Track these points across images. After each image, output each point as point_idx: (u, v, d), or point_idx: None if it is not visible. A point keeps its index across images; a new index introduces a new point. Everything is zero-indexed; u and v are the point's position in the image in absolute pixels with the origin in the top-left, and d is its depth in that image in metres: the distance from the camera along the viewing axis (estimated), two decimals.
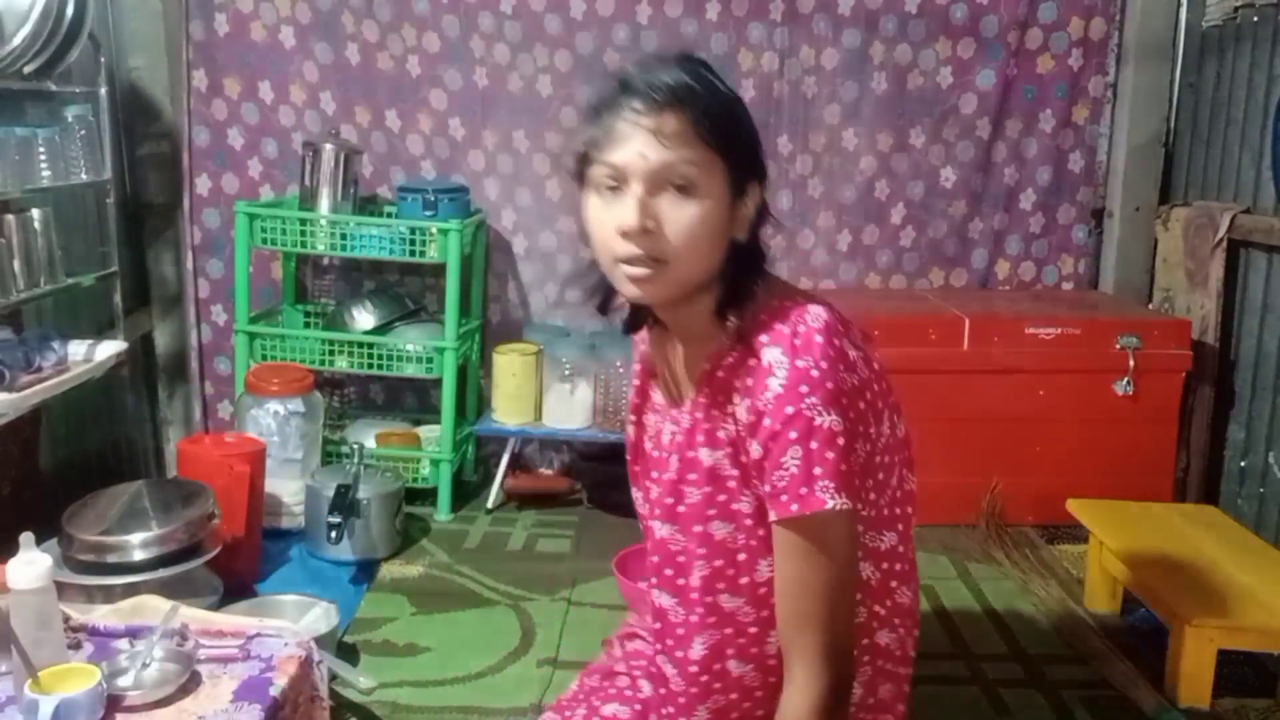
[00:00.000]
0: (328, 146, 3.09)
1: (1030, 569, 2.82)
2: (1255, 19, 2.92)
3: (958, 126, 3.37)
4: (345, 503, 2.69)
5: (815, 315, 1.13)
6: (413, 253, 3.03)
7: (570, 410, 3.18)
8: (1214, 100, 3.13)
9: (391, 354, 3.15)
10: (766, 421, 1.09)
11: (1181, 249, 3.18)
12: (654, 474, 1.30)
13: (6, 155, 2.46)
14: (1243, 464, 2.94)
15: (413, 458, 3.19)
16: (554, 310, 3.48)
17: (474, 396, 3.46)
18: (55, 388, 2.45)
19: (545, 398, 3.20)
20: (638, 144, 1.09)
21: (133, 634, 1.68)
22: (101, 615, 1.81)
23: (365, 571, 2.75)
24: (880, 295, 3.42)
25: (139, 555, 2.18)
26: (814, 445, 1.07)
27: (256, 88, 3.32)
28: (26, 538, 1.51)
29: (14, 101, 2.61)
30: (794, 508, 1.08)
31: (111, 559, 2.17)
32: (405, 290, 3.43)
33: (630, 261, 1.11)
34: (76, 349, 2.63)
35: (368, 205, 3.32)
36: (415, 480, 3.15)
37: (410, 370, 3.16)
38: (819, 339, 1.11)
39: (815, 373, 1.09)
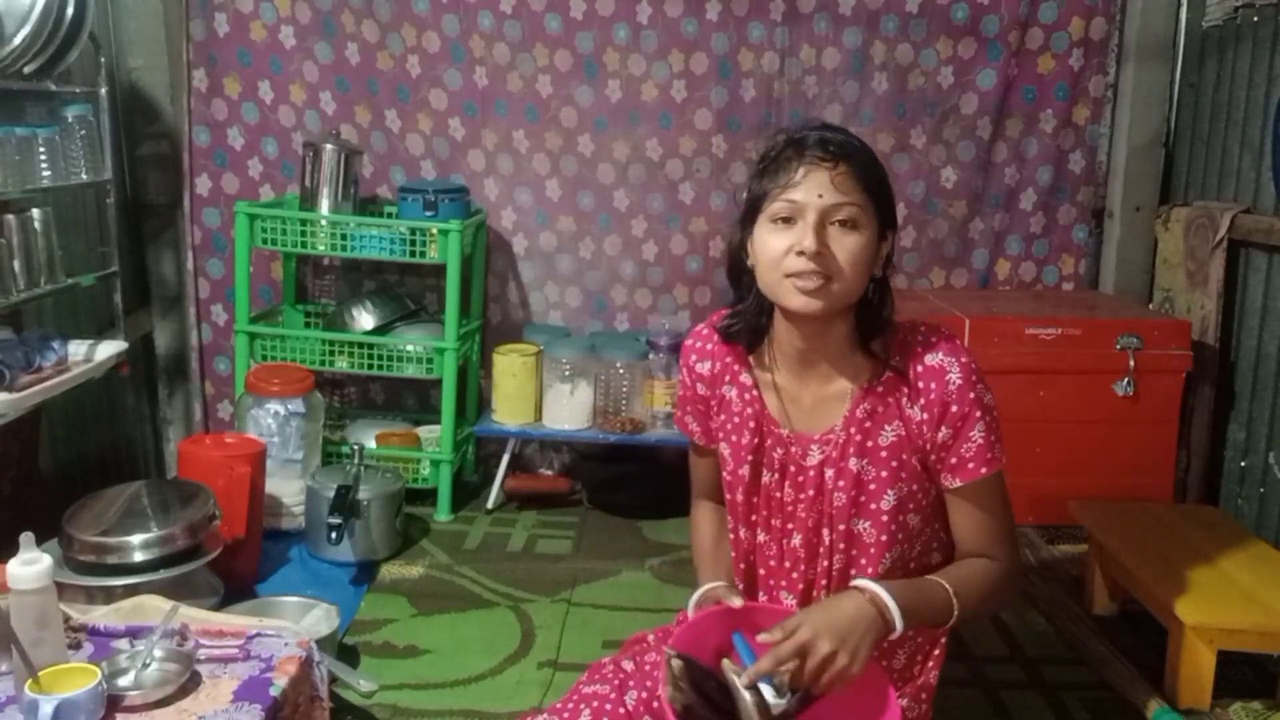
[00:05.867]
0: (328, 147, 3.09)
1: (1030, 570, 2.82)
2: (1255, 19, 2.92)
3: (958, 126, 3.37)
4: (345, 503, 2.69)
5: (940, 327, 1.46)
6: (413, 253, 3.03)
7: (570, 411, 3.18)
8: (1214, 100, 3.13)
9: (392, 354, 3.15)
10: (954, 409, 1.40)
11: (1182, 249, 3.18)
12: (799, 496, 1.49)
13: (6, 155, 2.46)
14: (1243, 464, 2.94)
15: (413, 458, 3.19)
16: (554, 311, 3.49)
17: (474, 397, 3.46)
18: (55, 388, 2.45)
19: (545, 398, 3.20)
20: (814, 184, 1.35)
21: (133, 634, 1.68)
22: (101, 615, 1.81)
23: (365, 572, 2.75)
24: None
25: (139, 556, 2.18)
26: (989, 420, 1.42)
27: (256, 88, 3.32)
28: (27, 538, 1.51)
29: (14, 101, 2.61)
30: (983, 470, 1.42)
31: (111, 560, 2.17)
32: (405, 290, 3.43)
33: (802, 275, 1.35)
34: (76, 349, 2.64)
35: (368, 205, 3.32)
36: (415, 481, 3.15)
37: (410, 371, 3.16)
38: (959, 343, 1.45)
39: (974, 365, 1.42)
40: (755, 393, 1.51)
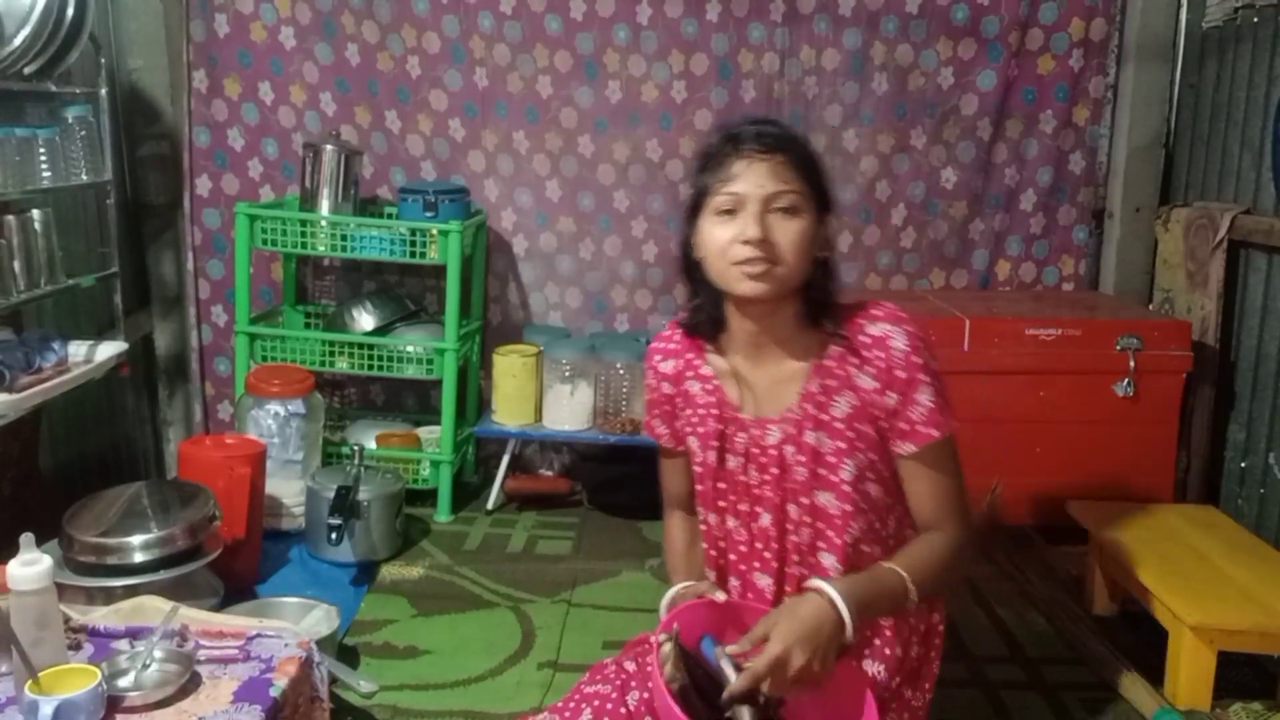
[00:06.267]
0: (328, 147, 3.09)
1: (1031, 570, 2.82)
2: (1255, 19, 2.92)
3: (958, 127, 3.37)
4: (345, 504, 2.69)
5: (884, 302, 1.51)
6: (413, 254, 3.03)
7: (570, 411, 3.18)
8: (1214, 101, 3.13)
9: (392, 355, 3.15)
10: (900, 374, 1.45)
11: (1182, 250, 3.18)
12: (763, 477, 1.52)
13: (7, 156, 2.46)
14: (1243, 465, 2.94)
15: (413, 459, 3.19)
16: (554, 311, 3.49)
17: (474, 398, 3.46)
18: (55, 388, 2.46)
19: (545, 399, 3.20)
20: (754, 176, 1.41)
21: (133, 635, 1.68)
22: (101, 616, 1.81)
23: (365, 573, 2.75)
24: (880, 296, 3.39)
25: (139, 557, 2.18)
26: (937, 385, 1.46)
27: (257, 88, 3.32)
28: (27, 538, 1.51)
29: (14, 102, 2.61)
30: (934, 433, 1.46)
31: (111, 560, 2.17)
32: (405, 291, 3.43)
33: (748, 262, 1.41)
34: (77, 350, 2.64)
35: (368, 206, 3.32)
36: (415, 481, 3.15)
37: (410, 371, 3.16)
38: (904, 314, 1.49)
39: (919, 334, 1.47)
40: (715, 382, 1.57)
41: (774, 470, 1.52)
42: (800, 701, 1.37)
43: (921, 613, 1.55)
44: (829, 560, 1.50)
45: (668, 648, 1.33)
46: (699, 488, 1.60)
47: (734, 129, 1.47)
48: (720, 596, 1.45)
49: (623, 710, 1.46)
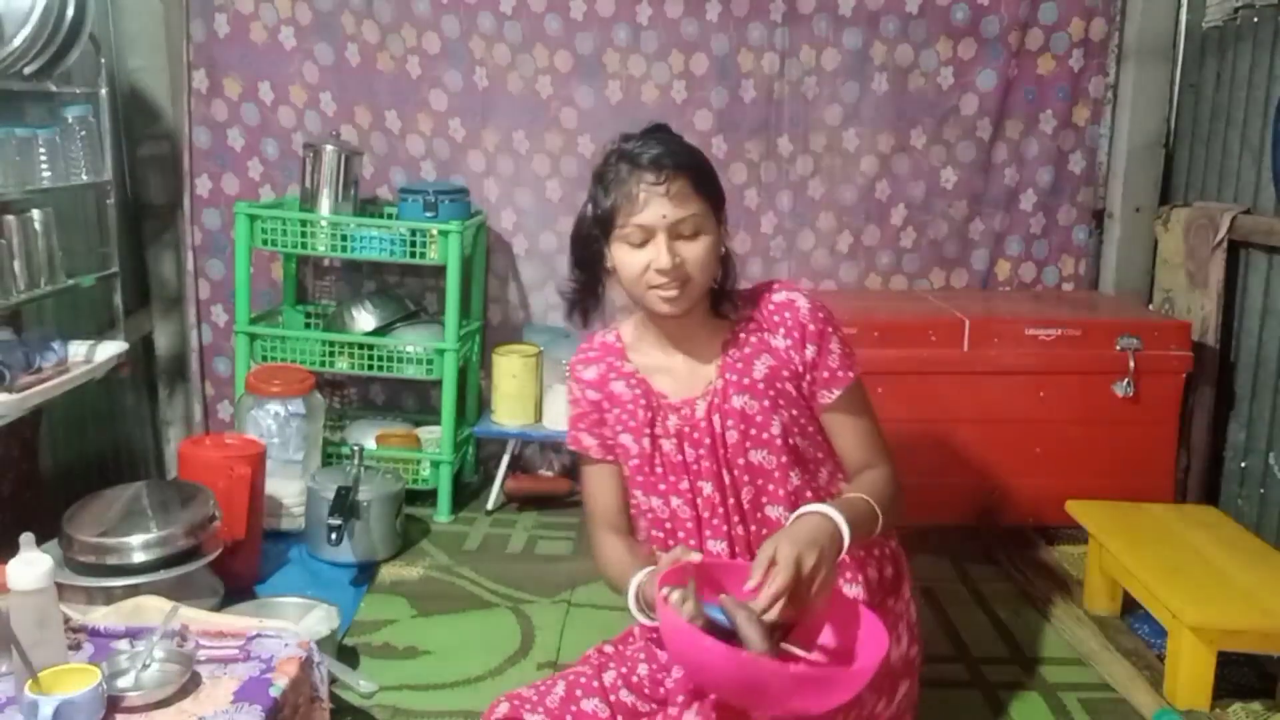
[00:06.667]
0: (328, 148, 3.09)
1: (1030, 570, 2.82)
2: (1255, 19, 2.92)
3: (958, 127, 3.37)
4: (345, 504, 2.69)
5: (781, 279, 1.71)
6: (413, 254, 3.03)
7: None
8: (1214, 101, 3.13)
9: (392, 355, 3.15)
10: (811, 327, 1.60)
11: (1182, 250, 3.18)
12: (697, 451, 1.61)
13: (7, 156, 2.46)
14: (1243, 465, 2.94)
15: (413, 459, 3.19)
16: (554, 311, 3.48)
17: (474, 398, 3.46)
18: (55, 388, 2.45)
19: (545, 399, 3.20)
20: (657, 207, 1.50)
21: (133, 635, 1.68)
22: (101, 616, 1.81)
23: (365, 573, 2.75)
24: (880, 296, 3.41)
25: (139, 557, 2.18)
26: (841, 335, 1.63)
27: (257, 88, 3.32)
28: (27, 538, 1.51)
29: (14, 102, 2.61)
30: (851, 375, 1.62)
31: (111, 560, 2.17)
32: (405, 291, 3.43)
33: (663, 288, 1.52)
34: (77, 350, 2.64)
35: (368, 206, 3.32)
36: (415, 482, 3.15)
37: (410, 371, 3.16)
38: (798, 285, 1.69)
39: (814, 296, 1.65)
40: (639, 376, 1.67)
41: (706, 441, 1.61)
42: (804, 630, 1.41)
43: (877, 541, 1.65)
44: (776, 512, 1.60)
45: (677, 594, 1.34)
46: (638, 478, 1.67)
47: (630, 150, 1.54)
48: (696, 557, 1.45)
49: (596, 684, 1.56)
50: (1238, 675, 2.24)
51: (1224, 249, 2.96)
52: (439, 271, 3.22)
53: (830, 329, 1.62)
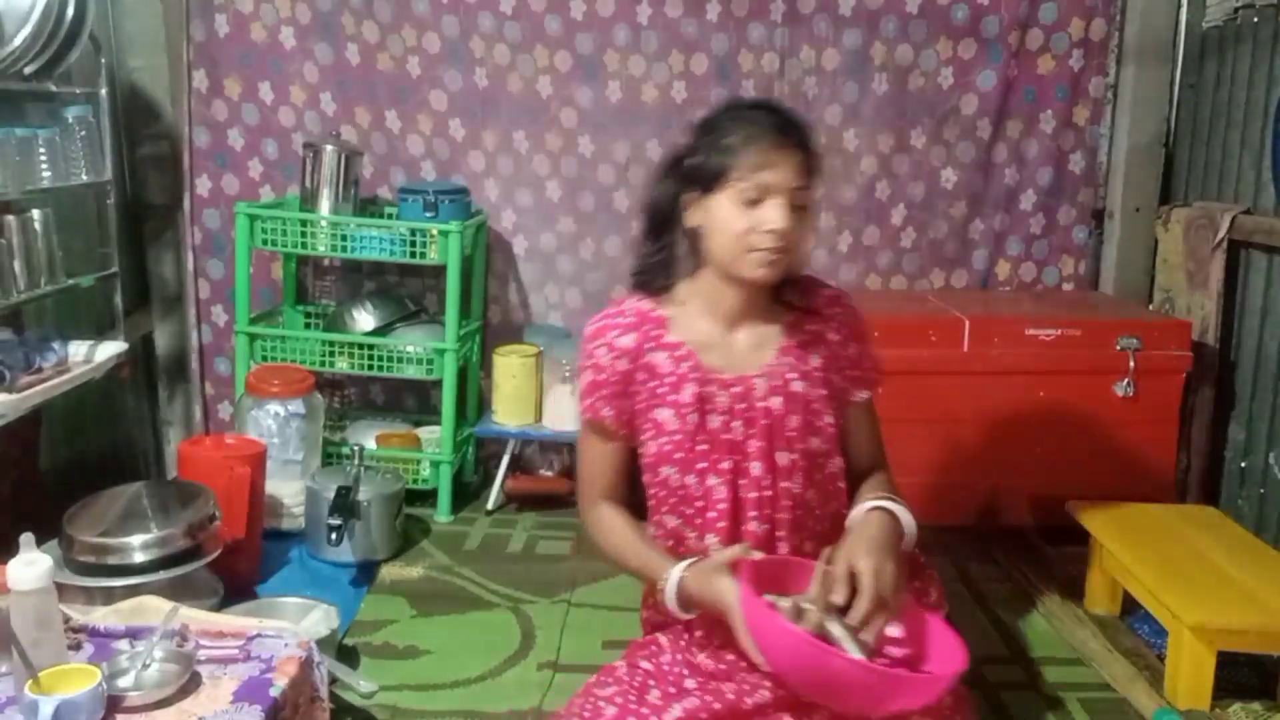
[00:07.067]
0: (329, 147, 3.09)
1: (1030, 570, 2.82)
2: (1255, 19, 2.92)
3: (958, 127, 3.37)
4: (345, 504, 2.69)
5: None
6: (413, 254, 3.03)
7: (570, 412, 3.17)
8: (1214, 101, 3.13)
9: (392, 355, 3.15)
10: (857, 325, 1.67)
11: (1182, 250, 3.18)
12: (749, 430, 1.59)
13: (7, 156, 2.46)
14: (1243, 465, 2.94)
15: (413, 459, 3.19)
16: (554, 311, 3.48)
17: (474, 398, 3.46)
18: (55, 388, 2.45)
19: (545, 399, 3.20)
20: (787, 169, 1.49)
21: (133, 635, 1.68)
22: (101, 616, 1.81)
23: (365, 573, 2.75)
24: (880, 296, 3.41)
25: (139, 557, 2.18)
26: (871, 338, 1.70)
27: (257, 88, 3.32)
28: (27, 539, 1.51)
29: (14, 102, 2.61)
30: (881, 378, 1.68)
31: (112, 560, 2.17)
32: (406, 291, 3.43)
33: (769, 251, 1.49)
34: (77, 349, 2.64)
35: (368, 206, 3.32)
36: (415, 482, 3.15)
37: (411, 371, 3.16)
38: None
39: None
40: (687, 348, 1.61)
41: (763, 422, 1.59)
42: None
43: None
44: (811, 495, 1.62)
45: (785, 605, 1.37)
46: (675, 455, 1.60)
47: (757, 108, 1.55)
48: (758, 555, 1.46)
49: (645, 710, 1.47)
50: (1238, 675, 2.24)
51: (1224, 249, 2.96)
52: (439, 271, 3.22)
53: (867, 331, 1.69)
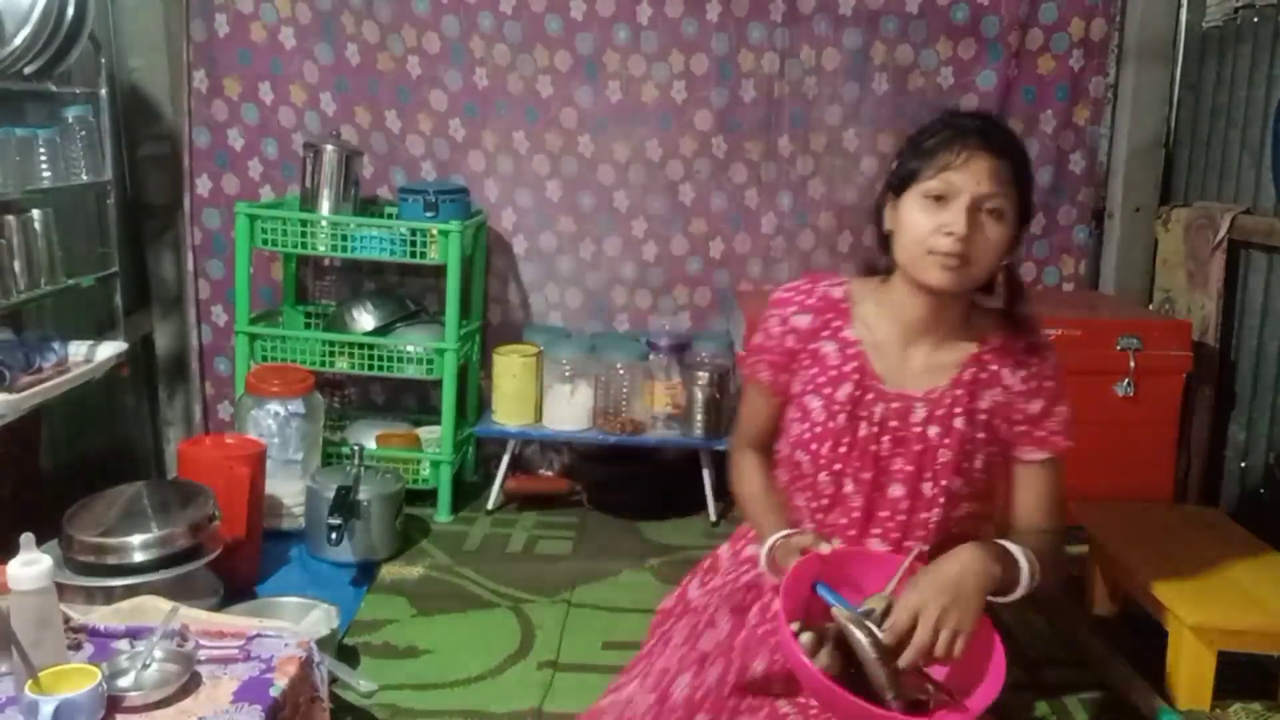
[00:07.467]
0: (329, 148, 3.09)
1: None
2: (1255, 20, 2.92)
3: None
4: (345, 504, 2.69)
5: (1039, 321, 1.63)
6: (413, 254, 3.03)
7: (570, 412, 3.17)
8: (1214, 101, 3.13)
9: (392, 355, 3.15)
10: (1049, 384, 1.55)
11: (1182, 250, 3.18)
12: (897, 450, 1.55)
13: (7, 156, 2.46)
14: (1243, 464, 2.94)
15: (413, 459, 3.19)
16: (554, 311, 3.49)
17: (474, 398, 3.46)
18: (55, 388, 2.45)
19: (545, 399, 3.20)
20: (973, 172, 1.43)
21: (133, 635, 1.68)
22: (101, 616, 1.80)
23: (365, 573, 2.75)
24: None
25: (139, 557, 2.18)
26: (1069, 401, 1.57)
27: (257, 88, 3.32)
28: (27, 539, 1.51)
29: (14, 102, 2.61)
30: (1066, 444, 1.57)
31: (112, 560, 2.17)
32: (406, 291, 3.43)
33: (947, 255, 1.44)
34: (77, 349, 2.63)
35: (368, 206, 3.32)
36: (415, 481, 3.15)
37: (411, 371, 3.16)
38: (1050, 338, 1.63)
39: (1058, 357, 1.58)
40: (859, 348, 1.57)
41: (916, 447, 1.54)
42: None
43: None
44: (948, 536, 1.54)
45: (807, 638, 1.33)
46: (813, 446, 1.58)
47: (963, 118, 1.50)
48: (826, 548, 1.43)
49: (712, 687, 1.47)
50: (1238, 675, 2.24)
51: (1224, 249, 2.96)
52: (439, 271, 3.22)
53: (1063, 392, 1.56)
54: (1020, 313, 1.58)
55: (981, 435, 1.54)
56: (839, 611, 1.35)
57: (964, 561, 1.37)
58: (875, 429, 1.55)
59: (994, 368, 1.55)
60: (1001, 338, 1.56)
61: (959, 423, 1.53)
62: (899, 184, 1.50)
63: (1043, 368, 1.55)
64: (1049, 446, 1.56)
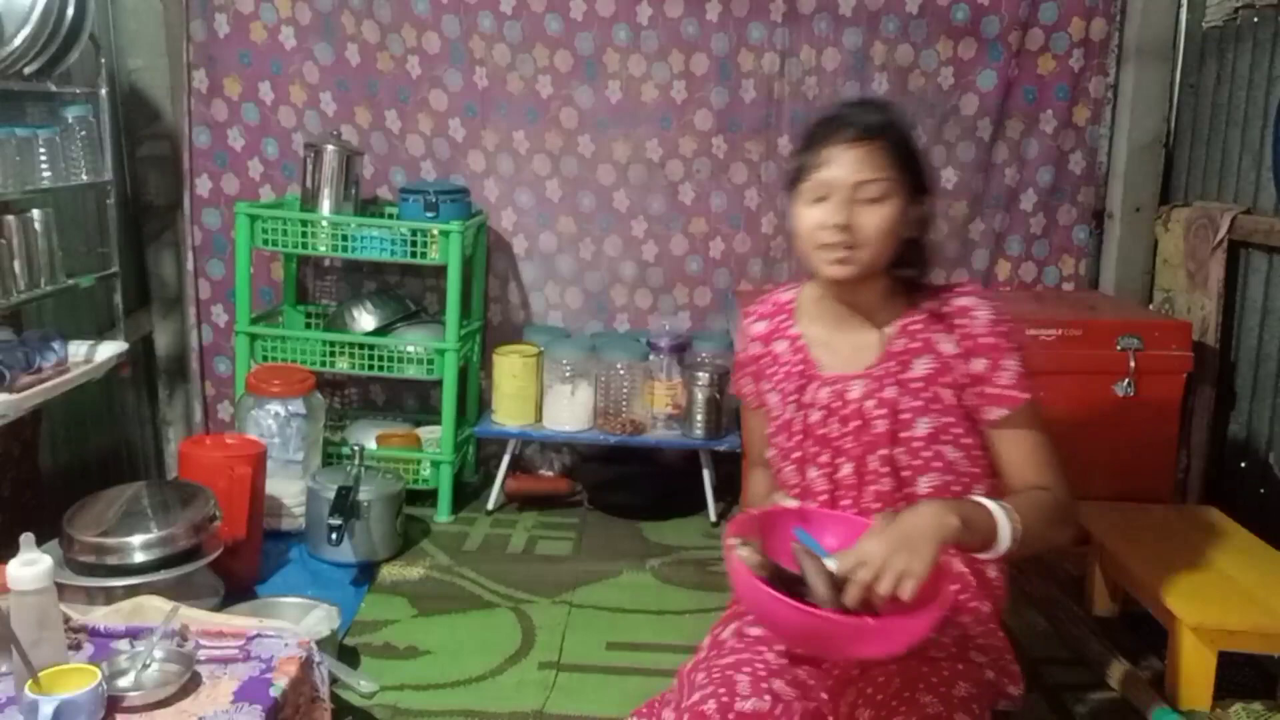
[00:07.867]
0: (329, 148, 3.09)
1: (1031, 570, 2.81)
2: (1255, 19, 2.92)
3: (959, 127, 3.37)
4: (346, 504, 2.69)
5: (973, 282, 1.55)
6: (414, 254, 3.03)
7: (571, 412, 3.17)
8: (1214, 101, 3.13)
9: (392, 355, 3.15)
10: (985, 340, 1.54)
11: (1182, 250, 3.18)
12: (844, 429, 1.59)
13: (7, 156, 2.46)
14: (1243, 465, 2.94)
15: (413, 459, 3.19)
16: (554, 311, 3.49)
17: (474, 398, 3.46)
18: (55, 388, 2.45)
19: (545, 399, 3.20)
20: (840, 166, 1.48)
21: (133, 635, 1.68)
22: (102, 616, 1.81)
23: (366, 573, 2.75)
24: None
25: (139, 557, 2.18)
26: (1020, 355, 1.56)
27: (257, 88, 3.32)
28: (27, 539, 1.51)
29: (14, 102, 2.61)
30: (1024, 395, 1.55)
31: (112, 560, 2.17)
32: (406, 291, 3.43)
33: (830, 248, 1.50)
34: (76, 350, 2.63)
35: (369, 206, 3.32)
36: (416, 482, 3.15)
37: (411, 371, 3.16)
38: (987, 293, 1.64)
39: (1003, 310, 1.57)
40: (801, 342, 1.66)
41: (855, 423, 1.59)
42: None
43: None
44: (905, 506, 1.54)
45: (745, 549, 1.37)
46: (777, 439, 1.67)
47: (832, 113, 1.55)
48: (790, 503, 1.47)
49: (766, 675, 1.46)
50: (1238, 675, 2.24)
51: (1224, 249, 2.96)
52: (439, 271, 3.22)
53: (1007, 345, 1.55)
54: (927, 281, 1.61)
55: (917, 403, 1.56)
56: (798, 547, 1.40)
57: (920, 512, 1.39)
58: (823, 413, 1.62)
59: (924, 336, 1.59)
60: (925, 305, 1.60)
61: (890, 392, 1.57)
62: (790, 187, 1.57)
63: (972, 326, 1.56)
64: (1005, 403, 1.56)
